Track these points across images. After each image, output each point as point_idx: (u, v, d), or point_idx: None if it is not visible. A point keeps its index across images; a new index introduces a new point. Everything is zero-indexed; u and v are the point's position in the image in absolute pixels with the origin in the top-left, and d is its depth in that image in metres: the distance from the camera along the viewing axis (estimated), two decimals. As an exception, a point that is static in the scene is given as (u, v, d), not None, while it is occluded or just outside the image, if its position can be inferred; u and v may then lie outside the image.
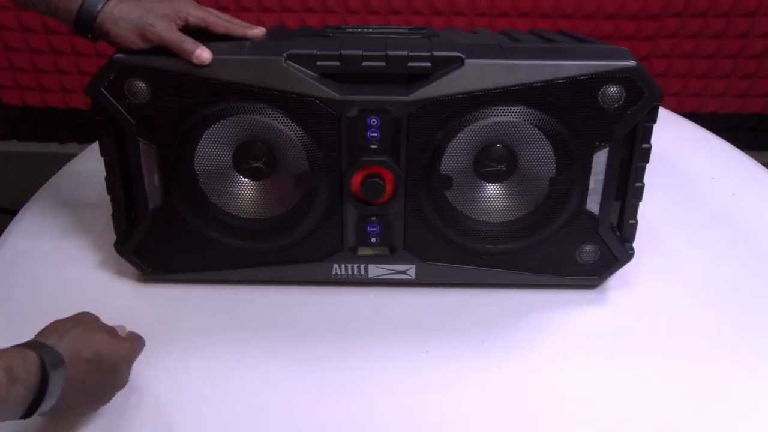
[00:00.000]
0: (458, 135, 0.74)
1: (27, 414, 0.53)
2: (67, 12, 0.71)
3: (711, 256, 0.90)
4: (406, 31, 0.88)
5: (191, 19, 0.74)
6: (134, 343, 0.66)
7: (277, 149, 0.75)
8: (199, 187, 0.77)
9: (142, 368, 0.71)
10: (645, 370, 0.72)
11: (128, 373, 0.65)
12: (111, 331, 0.64)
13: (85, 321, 0.62)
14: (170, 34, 0.71)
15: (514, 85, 0.71)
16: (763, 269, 0.88)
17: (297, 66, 0.72)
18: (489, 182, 0.77)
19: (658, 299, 0.82)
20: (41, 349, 0.55)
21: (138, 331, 0.68)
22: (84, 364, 0.58)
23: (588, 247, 0.80)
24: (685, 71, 1.92)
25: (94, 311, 0.65)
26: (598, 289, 0.84)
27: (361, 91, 0.73)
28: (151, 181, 0.77)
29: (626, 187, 0.78)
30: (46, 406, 0.54)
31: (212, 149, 0.75)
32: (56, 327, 0.59)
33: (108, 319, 0.65)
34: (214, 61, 0.71)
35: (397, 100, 0.72)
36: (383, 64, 0.72)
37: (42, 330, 0.59)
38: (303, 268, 0.81)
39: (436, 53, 0.72)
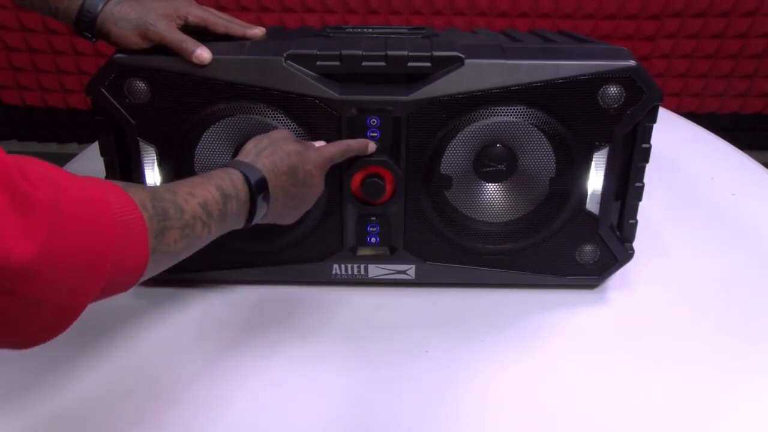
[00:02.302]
0: (458, 135, 0.74)
1: (247, 223, 0.63)
2: (67, 12, 0.71)
3: (711, 256, 0.90)
4: (406, 31, 0.88)
5: (191, 19, 0.74)
6: (325, 150, 0.71)
7: (277, 149, 0.75)
8: (199, 187, 0.77)
9: (142, 368, 0.71)
10: (645, 370, 0.72)
11: (323, 179, 0.71)
12: (307, 146, 0.70)
13: (280, 138, 0.68)
14: (171, 33, 0.71)
15: (514, 85, 0.71)
16: (763, 269, 0.88)
17: (297, 66, 0.72)
18: (489, 182, 0.77)
19: (658, 299, 0.82)
20: (243, 167, 0.62)
21: (138, 331, 0.68)
22: (282, 175, 0.65)
23: (588, 247, 0.80)
24: (685, 71, 1.92)
25: (94, 312, 0.65)
26: (598, 289, 0.84)
27: (361, 91, 0.73)
28: (151, 181, 0.77)
29: (626, 187, 0.78)
30: (260, 214, 0.63)
31: (212, 149, 0.75)
32: (253, 145, 0.67)
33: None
34: (214, 61, 0.71)
35: (397, 100, 0.72)
36: (383, 64, 0.72)
37: (242, 149, 0.67)
38: (303, 268, 0.81)
39: (436, 53, 0.72)
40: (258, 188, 0.62)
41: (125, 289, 0.48)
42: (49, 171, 0.42)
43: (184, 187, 0.56)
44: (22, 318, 0.40)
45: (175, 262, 0.55)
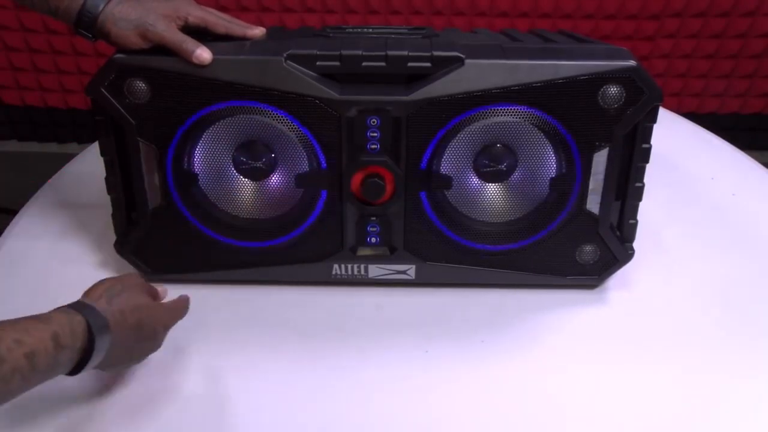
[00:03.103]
0: (458, 135, 0.74)
1: (73, 372, 0.56)
2: (67, 12, 0.71)
3: (711, 256, 0.90)
4: (406, 31, 0.88)
5: (191, 19, 0.74)
6: (174, 311, 0.69)
7: (277, 149, 0.75)
8: (199, 187, 0.77)
9: (141, 368, 0.71)
10: (645, 370, 0.72)
11: (164, 337, 0.67)
12: (155, 296, 0.68)
13: (133, 285, 0.64)
14: (171, 33, 0.71)
15: (514, 85, 0.71)
16: (763, 269, 0.88)
17: (297, 66, 0.72)
18: (489, 182, 0.77)
19: (658, 299, 0.82)
20: (90, 312, 0.57)
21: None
22: (127, 329, 0.60)
23: (588, 247, 0.80)
24: (685, 71, 1.92)
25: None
26: (598, 289, 0.84)
27: (361, 91, 0.73)
28: (151, 181, 0.77)
29: (626, 187, 0.78)
30: (92, 365, 0.57)
31: (212, 149, 0.75)
32: (106, 288, 0.61)
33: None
34: (214, 61, 0.71)
35: (397, 100, 0.72)
36: (383, 64, 0.72)
37: (92, 288, 0.61)
38: (303, 268, 0.81)
39: (436, 53, 0.72)
40: (100, 339, 0.56)
41: None
42: None
43: (12, 331, 0.50)
44: None
45: None
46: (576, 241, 0.80)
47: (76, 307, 0.57)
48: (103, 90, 0.72)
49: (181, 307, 0.70)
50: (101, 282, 0.63)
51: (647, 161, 0.76)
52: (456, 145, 0.74)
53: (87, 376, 0.69)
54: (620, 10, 1.82)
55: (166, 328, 0.67)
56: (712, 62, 1.90)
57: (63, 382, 0.64)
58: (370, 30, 0.89)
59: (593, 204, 0.78)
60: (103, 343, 0.57)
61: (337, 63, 0.72)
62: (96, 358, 0.57)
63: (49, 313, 0.55)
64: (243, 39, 0.77)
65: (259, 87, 0.72)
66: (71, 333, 0.54)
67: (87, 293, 0.61)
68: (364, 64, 0.72)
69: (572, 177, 0.75)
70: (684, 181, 1.07)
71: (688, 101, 1.97)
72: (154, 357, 0.69)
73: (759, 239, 0.93)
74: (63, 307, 0.57)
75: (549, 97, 0.72)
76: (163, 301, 0.69)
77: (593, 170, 0.75)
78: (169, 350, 0.73)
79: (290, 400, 0.68)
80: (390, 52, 0.72)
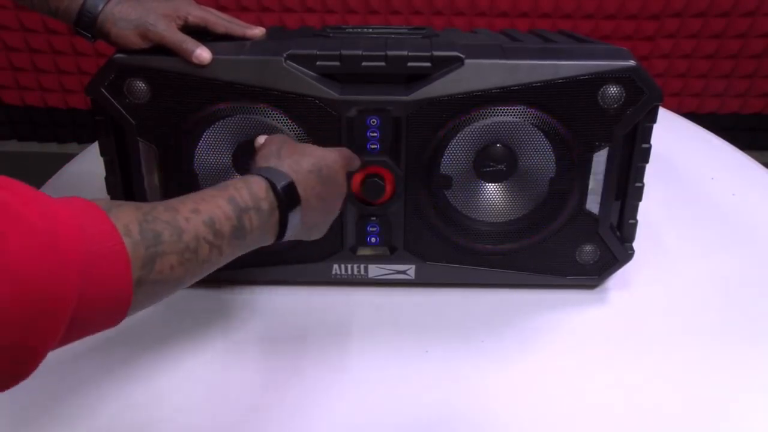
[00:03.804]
0: (458, 135, 0.74)
1: (278, 238, 0.55)
2: (67, 12, 0.71)
3: (711, 256, 0.90)
4: (406, 31, 0.88)
5: (191, 19, 0.74)
6: (338, 150, 0.66)
7: (277, 149, 0.75)
8: (198, 187, 0.77)
9: (141, 367, 0.71)
10: (645, 370, 0.72)
11: (345, 178, 0.65)
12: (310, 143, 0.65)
13: (285, 139, 0.62)
14: (171, 33, 0.71)
15: (514, 85, 0.71)
16: (763, 269, 0.88)
17: (297, 66, 0.72)
18: (489, 182, 0.77)
19: (658, 299, 0.82)
20: (266, 172, 0.55)
21: (138, 331, 0.68)
22: (308, 174, 0.58)
23: (588, 247, 0.80)
24: (685, 71, 1.92)
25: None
26: (598, 289, 0.84)
27: (361, 91, 0.73)
28: (151, 181, 0.77)
29: (626, 187, 0.78)
30: (292, 227, 0.55)
31: (212, 149, 0.75)
32: (268, 148, 0.59)
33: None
34: (214, 61, 0.71)
35: (397, 100, 0.72)
36: (383, 64, 0.72)
37: (253, 160, 0.59)
38: (303, 268, 0.81)
39: (435, 53, 0.72)
40: (287, 195, 0.55)
41: (107, 326, 0.43)
42: (6, 197, 0.37)
43: (188, 203, 0.50)
44: None
45: (180, 288, 0.48)
46: (576, 241, 0.80)
47: (251, 171, 0.56)
48: (103, 90, 0.72)
49: (344, 150, 0.67)
50: (261, 146, 0.61)
51: (647, 161, 0.76)
52: (456, 145, 0.74)
53: (81, 369, 0.70)
54: (620, 10, 1.82)
55: (342, 163, 0.64)
56: (712, 62, 1.90)
57: (65, 377, 0.63)
58: (370, 30, 0.89)
59: (593, 204, 0.78)
60: (291, 196, 0.55)
61: (337, 63, 0.72)
62: (293, 218, 0.55)
63: (226, 182, 0.54)
64: (243, 39, 0.77)
65: (259, 87, 0.72)
66: (250, 195, 0.53)
67: (253, 164, 0.59)
68: (364, 64, 0.72)
69: (572, 177, 0.76)
70: (684, 181, 1.07)
71: (688, 101, 1.97)
72: (154, 357, 0.69)
73: (759, 239, 0.93)
74: (236, 178, 0.55)
75: (549, 97, 0.72)
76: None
77: (593, 170, 0.75)
78: (168, 350, 0.74)
79: (290, 400, 0.68)
80: (390, 52, 0.72)
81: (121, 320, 0.43)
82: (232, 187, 0.53)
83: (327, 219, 0.64)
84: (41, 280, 0.36)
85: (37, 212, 0.38)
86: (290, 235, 0.56)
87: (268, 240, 0.55)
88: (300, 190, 0.57)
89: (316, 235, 0.64)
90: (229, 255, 0.52)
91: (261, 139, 0.65)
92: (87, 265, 0.39)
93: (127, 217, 0.44)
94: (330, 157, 0.63)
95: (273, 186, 0.54)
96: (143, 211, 0.46)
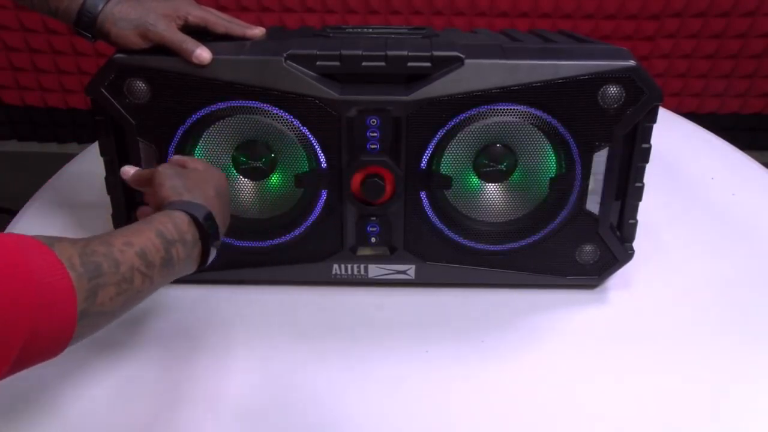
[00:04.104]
0: (458, 135, 0.74)
1: (200, 266, 0.59)
2: (67, 12, 0.71)
3: (711, 255, 0.90)
4: (406, 31, 0.88)
5: (191, 19, 0.74)
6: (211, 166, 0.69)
7: (277, 149, 0.75)
8: (199, 187, 0.77)
9: (141, 368, 0.71)
10: (645, 370, 0.72)
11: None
12: (184, 164, 0.67)
13: (178, 172, 0.64)
14: (171, 33, 0.71)
15: (514, 85, 0.71)
16: (763, 269, 0.88)
17: (297, 66, 0.72)
18: (489, 182, 0.77)
19: (658, 299, 0.82)
20: (184, 206, 0.58)
21: (138, 331, 0.68)
22: (215, 199, 0.63)
23: (588, 247, 0.80)
24: (685, 71, 1.92)
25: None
26: (598, 289, 0.84)
27: (361, 91, 0.73)
28: (151, 181, 0.77)
29: (626, 187, 0.78)
30: (213, 253, 0.60)
31: (212, 149, 0.76)
32: (171, 187, 0.61)
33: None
34: (214, 61, 0.71)
35: (397, 100, 0.72)
36: (383, 64, 0.72)
37: (163, 197, 0.61)
38: (303, 268, 0.81)
39: (435, 53, 0.72)
40: (209, 226, 0.58)
41: (48, 358, 0.45)
42: None
43: (120, 236, 0.52)
44: None
45: (115, 319, 0.51)
46: (576, 241, 0.80)
47: (168, 207, 0.59)
48: (103, 90, 0.72)
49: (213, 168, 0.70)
50: (160, 182, 0.62)
51: (647, 161, 0.76)
52: (456, 145, 0.74)
53: (82, 369, 0.70)
54: (620, 10, 1.82)
55: (225, 178, 0.68)
56: (712, 62, 1.90)
57: (66, 379, 0.63)
58: (370, 30, 0.89)
59: (593, 204, 0.78)
60: (211, 224, 0.59)
61: (337, 63, 0.72)
62: (215, 243, 0.60)
63: (151, 217, 0.57)
64: (243, 39, 0.77)
65: (259, 87, 0.72)
66: (175, 228, 0.56)
67: (164, 199, 0.61)
68: (364, 64, 0.72)
69: (572, 177, 0.75)
70: (684, 181, 1.07)
71: (688, 101, 1.97)
72: (154, 357, 0.69)
73: (759, 239, 0.93)
74: (160, 212, 0.58)
75: (549, 97, 0.72)
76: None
77: (593, 170, 0.75)
78: (167, 350, 0.74)
79: (290, 400, 0.68)
80: (390, 52, 0.72)
81: (61, 352, 0.45)
82: (158, 221, 0.56)
83: (227, 224, 0.68)
84: None
85: None
86: (210, 261, 0.60)
87: (192, 269, 0.59)
88: (217, 219, 0.61)
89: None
90: (158, 284, 0.55)
91: (129, 170, 0.68)
92: (37, 298, 0.41)
93: (68, 251, 0.46)
94: (217, 174, 0.67)
95: (194, 219, 0.58)
96: (81, 245, 0.48)
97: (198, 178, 0.64)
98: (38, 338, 0.41)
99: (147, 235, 0.54)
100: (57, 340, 0.44)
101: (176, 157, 0.71)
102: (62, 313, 0.43)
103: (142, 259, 0.52)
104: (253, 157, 0.75)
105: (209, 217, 0.60)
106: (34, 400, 0.67)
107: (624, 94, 0.71)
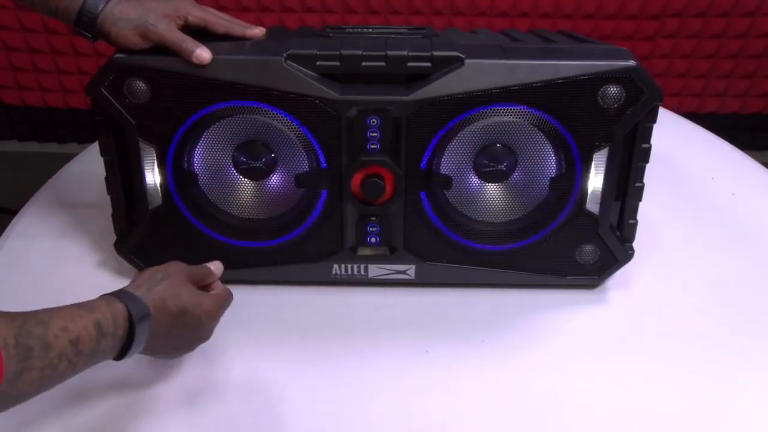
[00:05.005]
0: (458, 135, 0.74)
1: (118, 358, 0.58)
2: (67, 11, 0.71)
3: (711, 256, 0.90)
4: (406, 31, 0.88)
5: (191, 19, 0.74)
6: (219, 298, 0.68)
7: (277, 149, 0.75)
8: (199, 187, 0.77)
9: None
10: (645, 370, 0.72)
11: (213, 327, 0.68)
12: (199, 284, 0.67)
13: (175, 273, 0.64)
14: (171, 33, 0.71)
15: (514, 85, 0.71)
16: (763, 269, 0.88)
17: (297, 66, 0.72)
18: (489, 182, 0.77)
19: (658, 299, 0.82)
20: (130, 300, 0.58)
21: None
22: (169, 316, 0.61)
23: (588, 247, 0.80)
24: (685, 71, 1.92)
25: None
26: (598, 289, 0.84)
27: (361, 91, 0.73)
28: (151, 181, 0.77)
29: (626, 187, 0.78)
30: (134, 351, 0.59)
31: (212, 149, 0.75)
32: (147, 277, 0.63)
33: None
34: (214, 61, 0.71)
35: (397, 100, 0.72)
36: (383, 64, 0.72)
37: (135, 278, 0.63)
38: (303, 268, 0.81)
39: (435, 53, 0.72)
40: (140, 327, 0.58)
41: None
42: None
43: (58, 319, 0.52)
44: None
45: (22, 402, 0.51)
46: (576, 241, 0.80)
47: (118, 294, 0.59)
48: (103, 90, 0.72)
49: (225, 296, 0.70)
50: (144, 271, 0.64)
51: (647, 161, 0.76)
52: (456, 145, 0.74)
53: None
54: (620, 10, 1.82)
55: (211, 316, 0.66)
56: (712, 62, 1.90)
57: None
58: (370, 30, 0.89)
59: (593, 204, 0.77)
60: (143, 329, 0.58)
61: (337, 63, 0.72)
62: (137, 344, 0.58)
63: (92, 301, 0.57)
64: (243, 39, 0.77)
65: (259, 87, 0.72)
66: (113, 320, 0.56)
67: (131, 282, 0.63)
68: (364, 64, 0.72)
69: (572, 177, 0.75)
70: (684, 181, 1.07)
71: (688, 101, 1.97)
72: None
73: (759, 239, 0.93)
74: (106, 294, 0.59)
75: (549, 97, 0.72)
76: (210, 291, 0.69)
77: (593, 170, 0.75)
78: (169, 350, 0.73)
79: (290, 400, 0.68)
80: (390, 52, 0.72)
81: None
82: (99, 311, 0.55)
83: (172, 354, 0.67)
84: None
85: None
86: (131, 355, 0.59)
87: (110, 357, 0.58)
88: (154, 325, 0.60)
89: (161, 357, 0.68)
90: (78, 371, 0.54)
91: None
92: None
93: (5, 330, 0.47)
94: (203, 306, 0.65)
95: (130, 316, 0.57)
96: (18, 323, 0.49)
97: (174, 291, 0.62)
98: None
99: (85, 323, 0.54)
100: None
101: (216, 285, 0.70)
102: None
103: (74, 347, 0.52)
104: (253, 157, 0.75)
105: (145, 320, 0.59)
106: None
107: (624, 94, 0.71)
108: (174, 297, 0.62)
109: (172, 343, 0.64)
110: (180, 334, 0.64)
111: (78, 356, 0.53)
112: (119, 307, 0.57)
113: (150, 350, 0.62)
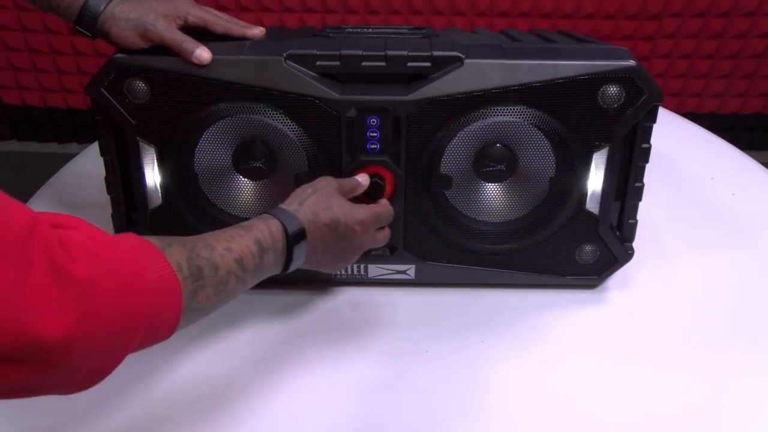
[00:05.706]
0: (458, 135, 0.74)
1: (284, 270, 0.64)
2: (69, 10, 0.71)
3: (710, 256, 0.90)
4: (406, 31, 0.88)
5: (191, 19, 0.74)
6: (371, 210, 0.70)
7: (277, 149, 0.75)
8: (199, 187, 0.77)
9: (141, 367, 0.71)
10: (644, 370, 0.72)
11: (369, 238, 0.71)
12: (348, 195, 0.71)
13: (323, 186, 0.68)
14: (171, 33, 0.71)
15: (514, 85, 0.71)
16: (762, 269, 0.88)
17: (297, 66, 0.72)
18: (489, 182, 0.77)
19: (658, 299, 0.82)
20: (284, 216, 0.63)
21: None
22: (322, 227, 0.65)
23: (588, 247, 0.80)
24: (685, 71, 1.92)
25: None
26: (597, 289, 0.84)
27: (361, 91, 0.73)
28: (151, 181, 0.77)
29: (626, 187, 0.78)
30: (296, 264, 0.64)
31: (212, 149, 0.75)
32: (298, 193, 0.67)
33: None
34: (213, 61, 0.71)
35: (397, 100, 0.72)
36: (383, 64, 0.72)
37: (288, 197, 0.67)
38: (303, 268, 0.81)
39: (435, 53, 0.72)
40: (296, 239, 0.62)
41: (162, 340, 0.51)
42: (86, 241, 0.44)
43: (222, 240, 0.57)
44: (56, 381, 0.43)
45: (207, 315, 0.56)
46: (576, 241, 0.80)
47: (273, 212, 0.64)
48: (103, 90, 0.72)
49: (380, 210, 0.71)
50: (296, 190, 0.68)
51: (647, 161, 0.76)
52: (456, 145, 0.74)
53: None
54: (620, 10, 1.82)
55: (364, 226, 0.69)
56: (712, 62, 1.90)
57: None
58: (370, 30, 0.89)
59: (593, 204, 0.78)
60: (299, 241, 0.63)
61: (337, 63, 0.72)
62: (298, 257, 0.63)
63: (251, 220, 0.62)
64: (242, 39, 0.77)
65: (259, 87, 0.72)
66: (270, 236, 0.61)
67: (284, 202, 0.66)
68: (364, 64, 0.72)
69: (572, 177, 0.76)
70: (684, 181, 1.07)
71: (688, 101, 1.98)
72: (154, 358, 0.69)
73: (759, 239, 0.93)
74: (262, 214, 0.63)
75: (549, 97, 0.72)
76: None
77: (593, 170, 0.75)
78: (166, 350, 0.74)
79: (290, 400, 0.68)
80: (390, 52, 0.72)
81: (168, 337, 0.52)
82: (256, 228, 0.61)
83: (334, 264, 0.70)
84: (122, 314, 0.45)
85: (114, 256, 0.46)
86: (294, 268, 0.64)
87: (278, 271, 0.63)
88: (309, 237, 0.64)
89: (327, 270, 0.72)
90: (249, 285, 0.60)
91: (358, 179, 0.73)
92: (152, 300, 0.48)
93: (178, 255, 0.52)
94: (354, 218, 0.68)
95: (285, 230, 0.62)
96: (188, 248, 0.54)
97: (325, 203, 0.66)
98: (153, 328, 0.49)
99: (246, 242, 0.59)
100: (165, 331, 0.51)
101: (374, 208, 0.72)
102: (171, 308, 0.51)
103: (239, 265, 0.57)
104: (253, 157, 0.75)
105: (300, 233, 0.63)
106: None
107: (624, 94, 0.71)
108: (324, 209, 0.66)
109: (331, 254, 0.68)
110: (336, 244, 0.67)
111: (245, 272, 0.58)
112: (274, 223, 0.62)
113: (312, 263, 0.66)
